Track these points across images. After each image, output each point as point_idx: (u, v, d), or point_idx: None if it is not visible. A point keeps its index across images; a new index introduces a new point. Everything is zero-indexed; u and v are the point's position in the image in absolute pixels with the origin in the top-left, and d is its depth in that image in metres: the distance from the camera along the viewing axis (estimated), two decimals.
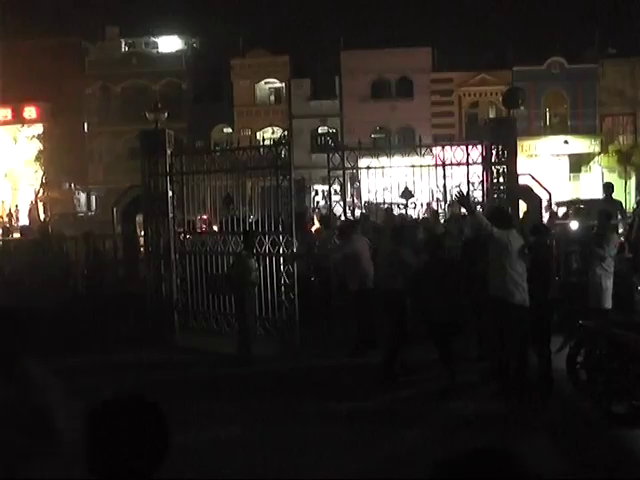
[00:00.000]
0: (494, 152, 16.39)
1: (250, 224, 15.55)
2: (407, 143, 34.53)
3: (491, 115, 45.69)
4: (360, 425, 9.71)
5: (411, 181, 17.67)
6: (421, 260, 12.08)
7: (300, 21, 58.85)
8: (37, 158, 54.74)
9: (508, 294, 10.50)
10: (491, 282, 10.86)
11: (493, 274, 10.81)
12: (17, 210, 49.98)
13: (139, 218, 17.99)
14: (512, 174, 16.32)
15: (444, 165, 17.22)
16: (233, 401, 10.91)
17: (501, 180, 16.31)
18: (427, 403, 10.69)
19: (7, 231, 21.82)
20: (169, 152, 16.90)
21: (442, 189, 17.94)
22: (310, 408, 10.47)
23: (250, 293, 13.75)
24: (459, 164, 16.93)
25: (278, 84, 56.24)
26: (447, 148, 17.46)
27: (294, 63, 53.79)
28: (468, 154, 16.78)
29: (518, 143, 17.34)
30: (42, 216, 45.77)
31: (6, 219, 46.06)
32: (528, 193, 17.56)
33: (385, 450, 8.84)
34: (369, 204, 21.02)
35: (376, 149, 19.27)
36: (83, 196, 56.32)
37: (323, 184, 18.01)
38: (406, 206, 19.15)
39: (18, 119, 55.73)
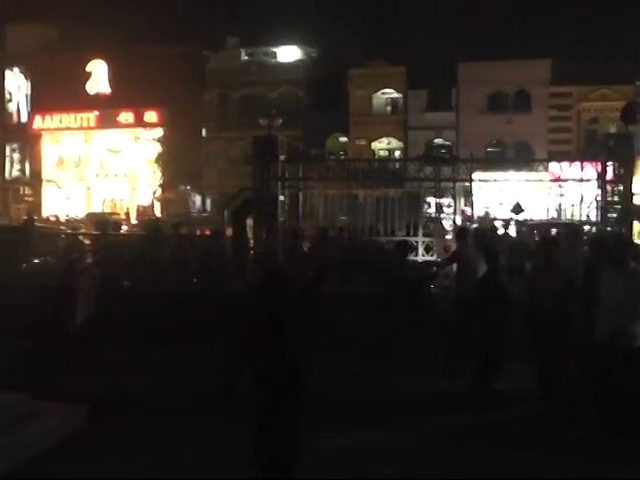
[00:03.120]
0: (610, 169, 16.01)
1: None
2: (522, 157, 34.22)
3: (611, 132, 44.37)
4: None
5: (526, 196, 17.48)
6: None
7: (418, 32, 58.46)
8: (156, 160, 56.34)
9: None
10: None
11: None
12: (127, 213, 51.59)
13: (249, 221, 18.25)
14: (627, 193, 15.89)
15: (558, 181, 16.96)
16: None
17: (616, 199, 15.92)
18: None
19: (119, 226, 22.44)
20: (282, 157, 17.12)
21: (557, 206, 17.69)
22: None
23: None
24: (573, 180, 16.65)
25: (395, 94, 56.15)
26: (563, 164, 17.20)
27: (411, 74, 53.56)
28: (582, 170, 16.49)
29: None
30: (158, 215, 47.09)
31: (123, 216, 47.55)
32: None
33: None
34: (483, 218, 20.86)
35: (488, 162, 19.09)
36: (198, 198, 57.51)
37: (436, 197, 17.96)
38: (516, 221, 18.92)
39: (139, 122, 57.67)
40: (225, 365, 7.45)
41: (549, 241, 12.93)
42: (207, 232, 20.88)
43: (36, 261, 19.61)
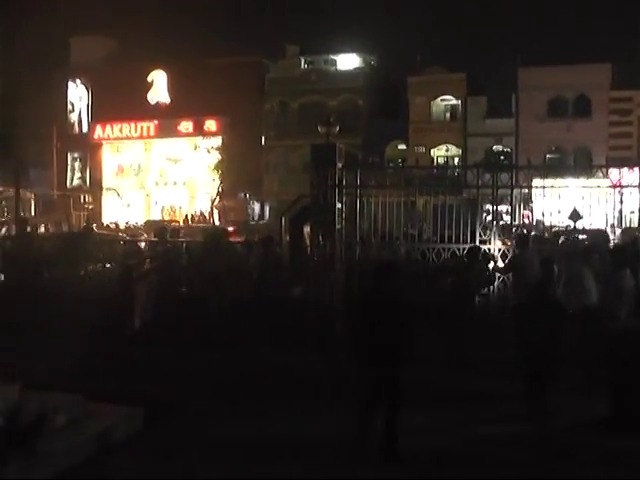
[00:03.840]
0: None
1: None
2: (580, 164, 33.52)
3: None
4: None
5: (585, 203, 17.27)
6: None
7: (477, 38, 58.37)
8: (215, 168, 56.82)
9: None
10: None
11: None
12: (186, 220, 52.18)
13: (307, 228, 18.25)
14: None
15: (616, 187, 16.71)
16: None
17: None
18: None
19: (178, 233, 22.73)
20: (339, 165, 17.09)
21: (617, 213, 17.42)
22: None
23: None
24: (632, 187, 16.40)
25: (454, 101, 55.92)
26: (623, 170, 16.96)
27: (470, 80, 53.30)
28: None
29: None
30: (217, 223, 47.50)
31: (182, 223, 48.09)
32: None
33: None
34: (540, 225, 20.66)
35: (546, 168, 18.90)
36: (257, 206, 57.85)
37: (494, 204, 17.79)
38: (574, 228, 18.69)
39: (199, 131, 58.29)
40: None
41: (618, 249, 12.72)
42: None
43: (95, 267, 19.93)
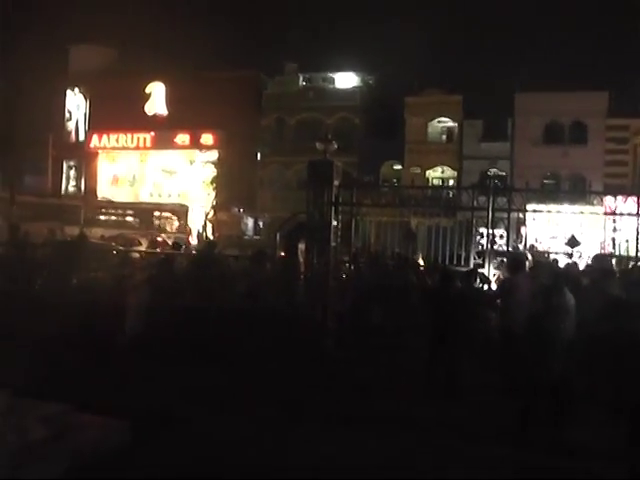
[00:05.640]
0: None
1: None
2: (577, 190, 33.47)
3: None
4: None
5: (578, 230, 17.26)
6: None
7: (475, 61, 58.47)
8: (211, 182, 56.83)
9: None
10: None
11: None
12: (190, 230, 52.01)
13: (302, 245, 18.23)
14: None
15: (614, 214, 16.72)
16: None
17: None
18: None
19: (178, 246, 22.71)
20: (336, 183, 17.11)
21: (611, 241, 17.45)
22: None
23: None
24: (629, 215, 16.40)
25: (450, 123, 55.91)
26: (618, 198, 16.97)
27: (467, 103, 53.30)
28: (639, 205, 16.24)
29: None
30: (210, 236, 47.42)
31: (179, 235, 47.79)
32: None
33: None
34: (533, 250, 20.64)
35: (544, 192, 18.90)
36: (251, 221, 57.75)
37: (489, 227, 17.71)
38: (571, 255, 18.64)
39: (195, 144, 58.31)
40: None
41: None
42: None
43: (87, 276, 19.79)
